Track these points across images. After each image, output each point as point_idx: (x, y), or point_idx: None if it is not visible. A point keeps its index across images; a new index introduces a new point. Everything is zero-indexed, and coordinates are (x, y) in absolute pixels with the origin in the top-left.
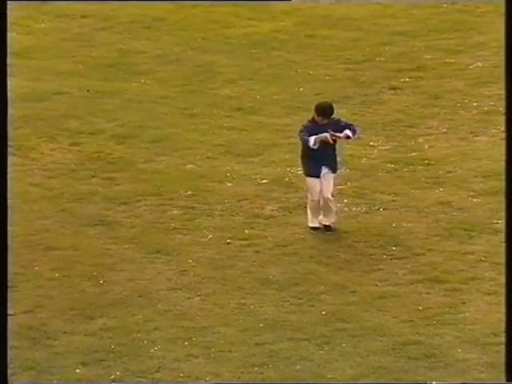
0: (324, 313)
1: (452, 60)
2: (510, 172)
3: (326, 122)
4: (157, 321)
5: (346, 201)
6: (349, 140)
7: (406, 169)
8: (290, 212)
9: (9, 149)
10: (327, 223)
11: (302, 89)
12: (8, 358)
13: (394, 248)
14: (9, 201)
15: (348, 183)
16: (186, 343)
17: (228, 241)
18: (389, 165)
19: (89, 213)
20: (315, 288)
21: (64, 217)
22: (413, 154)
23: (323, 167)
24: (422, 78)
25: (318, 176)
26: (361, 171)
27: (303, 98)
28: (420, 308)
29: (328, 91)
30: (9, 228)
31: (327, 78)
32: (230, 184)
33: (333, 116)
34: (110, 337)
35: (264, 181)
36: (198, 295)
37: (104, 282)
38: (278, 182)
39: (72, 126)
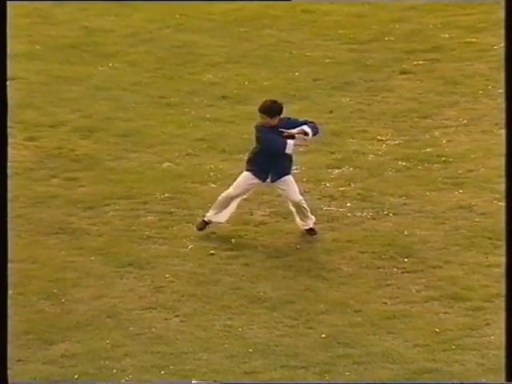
0: (324, 336)
1: (474, 39)
2: (510, 172)
3: (275, 122)
4: (128, 346)
5: (349, 204)
6: (307, 139)
7: (419, 167)
8: (285, 218)
9: None
10: (308, 227)
11: (297, 73)
12: (8, 358)
13: (405, 260)
14: None
15: (352, 184)
16: (163, 372)
17: (212, 252)
18: (399, 162)
19: (48, 219)
20: (313, 307)
21: (19, 224)
22: (428, 150)
23: (271, 173)
24: (438, 60)
25: (259, 178)
26: (367, 170)
27: (299, 84)
28: (436, 330)
29: (328, 76)
30: None
31: (327, 60)
32: (213, 185)
33: (284, 116)
34: (72, 365)
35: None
36: (176, 315)
37: (66, 300)
38: (269, 183)
39: (28, 118)
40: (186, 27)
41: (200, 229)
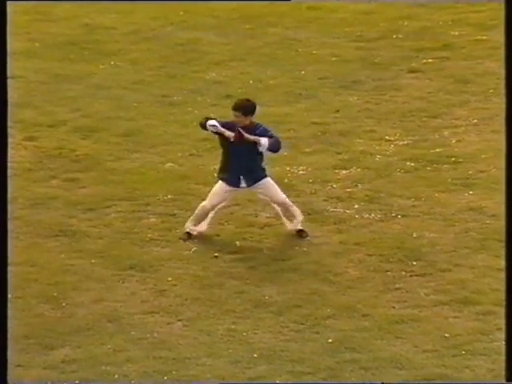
0: (330, 341)
1: (484, 37)
2: (511, 172)
3: (247, 121)
4: (130, 351)
5: (356, 206)
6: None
7: (428, 168)
8: (290, 220)
9: None
10: (296, 227)
11: (303, 72)
12: (8, 358)
13: (414, 263)
14: None
15: (359, 185)
16: (166, 378)
17: (216, 254)
18: (408, 163)
19: (48, 221)
20: (320, 311)
21: (18, 226)
22: (437, 150)
23: (244, 178)
24: (447, 58)
25: (233, 186)
26: (374, 171)
27: (305, 82)
28: (446, 335)
29: (335, 74)
30: None
31: (334, 58)
32: None
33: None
34: (73, 370)
35: None
36: (179, 320)
37: (66, 304)
38: (246, 188)
39: (27, 117)
40: (189, 24)
41: (185, 240)
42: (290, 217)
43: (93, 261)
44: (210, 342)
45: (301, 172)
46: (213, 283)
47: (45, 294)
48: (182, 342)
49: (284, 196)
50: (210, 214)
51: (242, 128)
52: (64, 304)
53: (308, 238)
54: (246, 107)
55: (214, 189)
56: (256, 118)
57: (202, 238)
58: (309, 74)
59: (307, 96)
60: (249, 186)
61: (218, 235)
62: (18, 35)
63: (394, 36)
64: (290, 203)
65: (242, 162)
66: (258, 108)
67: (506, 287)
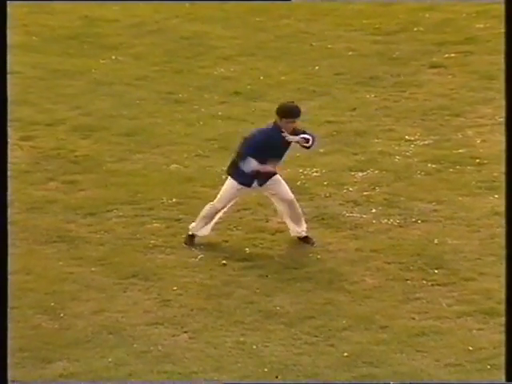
0: (346, 354)
1: None
2: (511, 172)
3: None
4: (132, 365)
5: (374, 211)
6: (306, 148)
7: (451, 169)
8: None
9: None
10: (302, 235)
11: (317, 67)
12: (8, 358)
13: (436, 271)
14: None
15: (377, 188)
16: None
17: (224, 262)
18: (429, 164)
19: (45, 226)
20: (335, 322)
21: (14, 231)
22: (460, 151)
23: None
24: (471, 52)
25: (245, 185)
26: (393, 173)
27: (319, 78)
28: (470, 348)
29: (351, 70)
30: None
31: (350, 53)
32: None
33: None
34: None
35: None
36: (185, 331)
37: (64, 315)
38: (256, 188)
39: (23, 115)
40: (196, 17)
41: (188, 244)
42: (297, 222)
43: (93, 269)
44: (218, 355)
45: (314, 174)
46: (220, 293)
47: (42, 304)
48: (187, 355)
49: (293, 196)
50: (216, 217)
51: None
52: (62, 315)
53: (315, 244)
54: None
55: (224, 187)
56: (269, 117)
57: (206, 242)
58: (323, 69)
59: (321, 93)
60: (261, 185)
61: (227, 241)
62: (14, 28)
63: (415, 29)
64: (298, 205)
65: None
66: (268, 105)
67: (506, 287)
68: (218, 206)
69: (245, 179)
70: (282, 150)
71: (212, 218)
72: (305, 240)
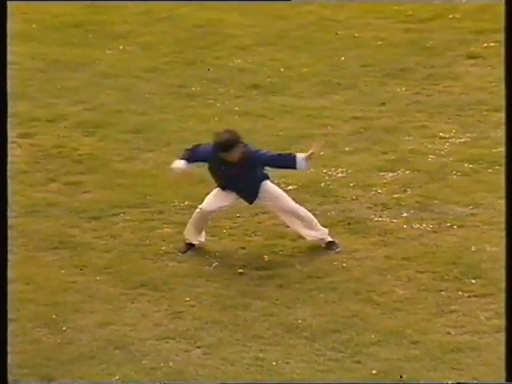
0: (374, 372)
1: None
2: (510, 171)
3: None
4: (141, 382)
5: (405, 215)
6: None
7: (489, 170)
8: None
9: None
10: (323, 237)
11: (343, 58)
12: (8, 358)
13: (473, 281)
14: None
15: (408, 190)
16: None
17: (240, 270)
18: (466, 164)
19: (46, 231)
20: (362, 337)
21: (12, 237)
22: (499, 150)
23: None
24: None
25: (251, 200)
26: (426, 173)
27: (345, 70)
28: None
29: (380, 61)
30: None
31: (379, 42)
32: None
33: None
34: None
35: (291, 187)
36: (198, 346)
37: (67, 328)
38: (310, 189)
39: (22, 110)
40: (209, 3)
41: (184, 252)
42: (309, 225)
43: (98, 278)
44: (234, 372)
45: (340, 175)
46: (237, 304)
47: (42, 317)
48: (201, 372)
49: (294, 204)
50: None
51: (236, 164)
52: (64, 328)
53: (340, 250)
54: (227, 144)
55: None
56: (290, 113)
57: (221, 249)
58: (349, 60)
59: (347, 86)
60: (251, 202)
61: (244, 248)
62: (12, 15)
63: (450, 16)
64: (305, 210)
65: (238, 186)
66: (289, 100)
67: (505, 286)
68: (206, 208)
69: (220, 181)
70: (223, 178)
71: (203, 224)
72: (328, 245)
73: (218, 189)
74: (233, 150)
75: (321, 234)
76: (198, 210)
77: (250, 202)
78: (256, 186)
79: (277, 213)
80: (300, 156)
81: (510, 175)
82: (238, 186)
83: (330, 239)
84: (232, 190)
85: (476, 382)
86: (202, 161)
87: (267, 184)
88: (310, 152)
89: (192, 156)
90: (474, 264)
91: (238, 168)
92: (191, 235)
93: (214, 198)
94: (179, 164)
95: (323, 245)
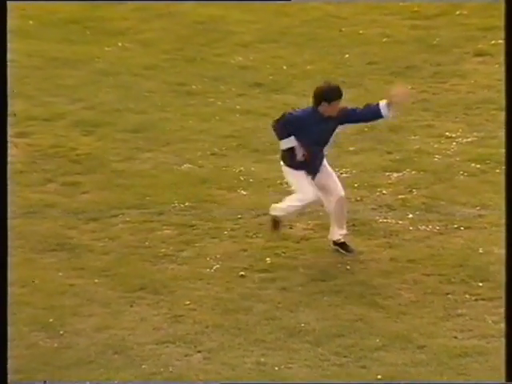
0: (380, 377)
1: None
2: (510, 171)
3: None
4: None
5: (410, 216)
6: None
7: (497, 170)
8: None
9: None
10: (340, 238)
11: (347, 55)
12: (8, 358)
13: (480, 284)
14: None
15: (414, 191)
16: None
17: (242, 273)
18: (473, 164)
19: (43, 233)
20: (367, 341)
21: (8, 239)
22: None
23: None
24: None
25: (315, 173)
26: (433, 174)
27: (350, 68)
28: None
29: (386, 59)
30: None
31: (385, 39)
32: (244, 192)
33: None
34: None
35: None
36: (198, 351)
37: (65, 332)
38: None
39: (19, 109)
40: (210, 3)
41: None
42: (340, 221)
43: (96, 280)
44: (236, 377)
45: (344, 175)
46: (238, 307)
47: (39, 320)
48: (202, 377)
49: (343, 193)
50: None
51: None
52: (62, 332)
53: (352, 253)
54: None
55: (296, 184)
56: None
57: (222, 251)
58: (354, 57)
59: (352, 84)
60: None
61: (245, 250)
62: (8, 11)
63: (457, 12)
64: (346, 206)
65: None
66: (292, 98)
67: (505, 287)
68: (308, 199)
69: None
70: (316, 134)
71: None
72: (341, 246)
73: (300, 175)
74: (338, 101)
75: (340, 234)
76: (295, 202)
77: (315, 173)
78: (323, 155)
79: (323, 196)
80: (382, 104)
81: (510, 175)
82: (322, 145)
83: (343, 240)
84: (314, 155)
85: (476, 381)
86: (299, 125)
87: (328, 167)
88: (389, 98)
89: (290, 128)
90: (481, 266)
91: (333, 123)
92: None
93: (308, 187)
94: (291, 142)
95: (335, 244)
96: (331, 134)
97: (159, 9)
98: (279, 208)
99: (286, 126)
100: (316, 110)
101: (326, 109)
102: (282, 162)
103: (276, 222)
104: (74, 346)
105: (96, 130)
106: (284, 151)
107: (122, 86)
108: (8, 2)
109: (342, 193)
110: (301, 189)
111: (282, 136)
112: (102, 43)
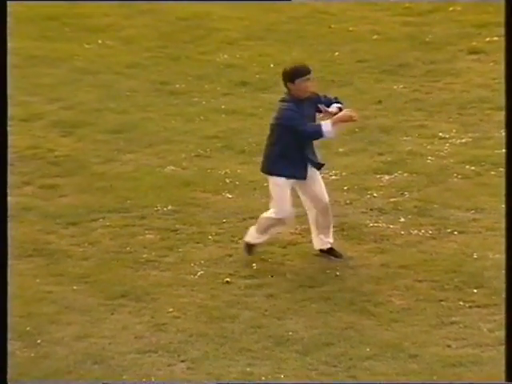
0: None
1: None
2: (510, 171)
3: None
4: None
5: (402, 220)
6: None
7: (493, 172)
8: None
9: None
10: (329, 246)
11: (337, 53)
12: (8, 357)
13: (474, 291)
14: None
15: (406, 194)
16: None
17: (227, 279)
18: (467, 166)
19: (20, 238)
20: (357, 350)
21: None
22: (503, 151)
23: (309, 165)
24: None
25: (304, 178)
26: (426, 176)
27: (339, 66)
28: None
29: (377, 57)
30: None
31: (375, 36)
32: (229, 195)
33: None
34: None
35: None
36: (182, 360)
37: (42, 341)
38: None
39: None
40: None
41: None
42: (323, 229)
43: (75, 287)
44: None
45: (333, 177)
46: (224, 315)
47: (16, 329)
48: None
49: (328, 200)
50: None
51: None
52: (39, 341)
53: (341, 258)
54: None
55: (276, 193)
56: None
57: (206, 257)
58: (344, 55)
59: (342, 83)
60: (305, 177)
61: (230, 255)
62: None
63: (451, 8)
64: (331, 213)
65: (309, 147)
66: (279, 98)
67: (506, 283)
68: (285, 213)
69: (300, 173)
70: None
71: (275, 228)
72: (329, 252)
73: (285, 183)
74: (302, 78)
75: (327, 241)
76: (269, 217)
77: (319, 168)
78: (316, 156)
79: (305, 202)
80: (326, 124)
81: (510, 176)
82: (310, 147)
83: (330, 246)
84: (308, 154)
85: (476, 382)
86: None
87: (316, 172)
88: (333, 120)
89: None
90: (475, 272)
91: (310, 107)
92: (254, 237)
93: (287, 199)
94: (327, 125)
95: (323, 251)
96: (314, 120)
97: (141, 5)
98: (252, 235)
99: (304, 120)
100: (292, 98)
101: (295, 91)
102: (268, 173)
103: (250, 247)
104: (51, 356)
105: (75, 131)
106: (279, 157)
107: (102, 85)
108: (8, 2)
109: (327, 199)
110: (281, 205)
111: (319, 130)
112: (81, 40)
